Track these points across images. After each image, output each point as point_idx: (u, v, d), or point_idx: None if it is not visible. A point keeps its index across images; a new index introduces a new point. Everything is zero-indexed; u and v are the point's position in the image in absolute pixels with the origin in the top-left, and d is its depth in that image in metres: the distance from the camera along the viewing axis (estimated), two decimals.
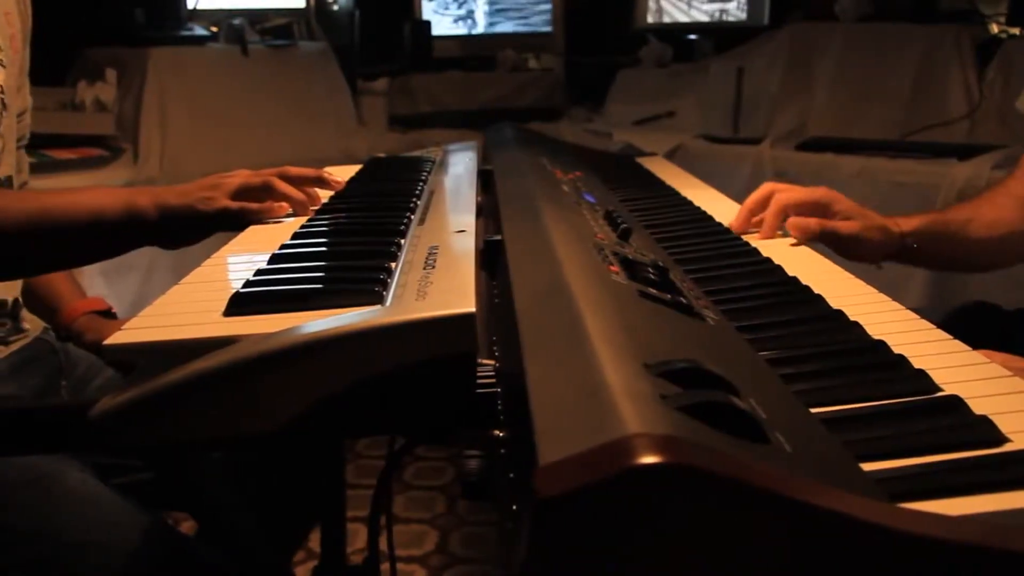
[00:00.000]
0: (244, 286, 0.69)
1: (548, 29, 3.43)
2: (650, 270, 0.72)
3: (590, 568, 0.35)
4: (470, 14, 3.42)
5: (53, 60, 2.40)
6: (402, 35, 3.19)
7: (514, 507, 0.46)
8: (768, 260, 0.91)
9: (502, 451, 0.55)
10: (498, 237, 0.82)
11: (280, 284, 0.70)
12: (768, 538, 0.36)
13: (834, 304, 0.75)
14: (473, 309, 0.57)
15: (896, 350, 0.64)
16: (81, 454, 0.98)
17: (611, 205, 1.05)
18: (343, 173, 1.25)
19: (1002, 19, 2.52)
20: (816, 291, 0.79)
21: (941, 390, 0.57)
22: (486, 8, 3.42)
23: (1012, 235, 1.15)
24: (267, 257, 0.80)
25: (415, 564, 1.89)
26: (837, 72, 2.53)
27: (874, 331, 0.68)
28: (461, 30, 3.42)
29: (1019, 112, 2.11)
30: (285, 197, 1.03)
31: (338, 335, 0.56)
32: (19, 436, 0.71)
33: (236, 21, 2.75)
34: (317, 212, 1.03)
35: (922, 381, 0.59)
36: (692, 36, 3.16)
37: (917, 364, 0.61)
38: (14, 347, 1.14)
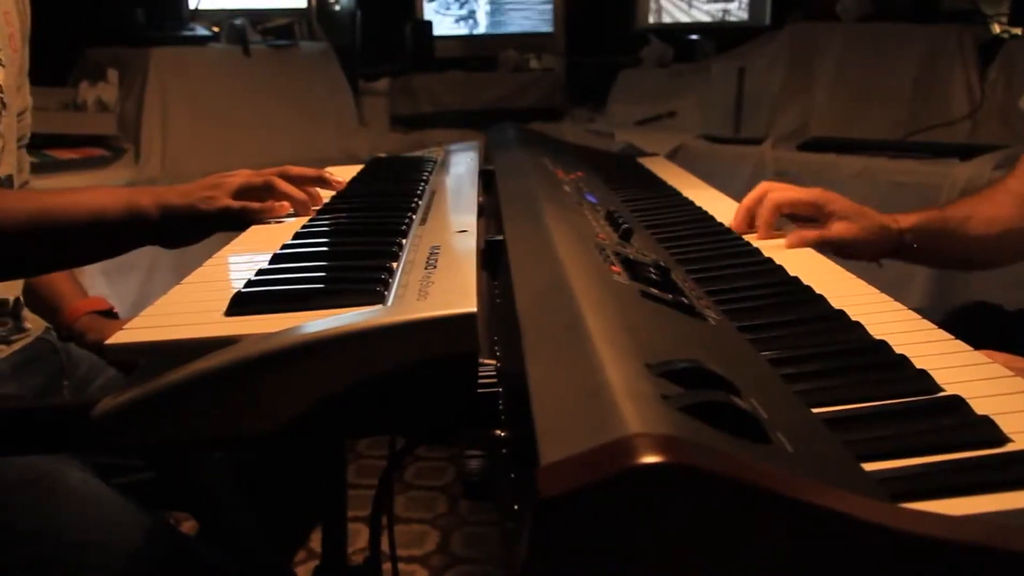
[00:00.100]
0: (246, 286, 0.69)
1: (549, 29, 3.43)
2: (651, 270, 0.72)
3: (591, 568, 0.35)
4: (471, 14, 3.42)
5: (55, 60, 2.41)
6: (403, 35, 3.19)
7: (515, 507, 0.46)
8: (769, 260, 0.91)
9: (503, 451, 0.55)
10: (500, 237, 0.82)
11: (282, 284, 0.70)
12: (769, 538, 0.36)
13: (835, 304, 0.75)
14: (475, 309, 0.57)
15: (898, 350, 0.64)
16: (82, 454, 0.98)
17: (612, 205, 1.05)
18: (344, 173, 1.25)
19: (1004, 19, 2.51)
20: (817, 291, 0.79)
21: (943, 390, 0.57)
22: (487, 8, 3.42)
23: (1010, 232, 1.15)
24: (268, 257, 0.80)
25: (416, 564, 1.89)
26: (838, 72, 2.53)
27: (875, 331, 0.68)
28: (462, 30, 3.43)
29: (1021, 112, 2.10)
30: (286, 197, 1.03)
31: (339, 335, 0.56)
32: (20, 436, 0.71)
33: (238, 21, 2.75)
34: (319, 212, 1.03)
35: (924, 381, 0.59)
36: (693, 36, 3.16)
37: (919, 364, 0.61)
38: (16, 347, 1.14)
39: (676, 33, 3.16)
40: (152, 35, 2.58)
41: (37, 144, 1.28)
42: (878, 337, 0.67)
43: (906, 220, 1.10)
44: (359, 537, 1.82)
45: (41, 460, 0.94)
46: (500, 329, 0.70)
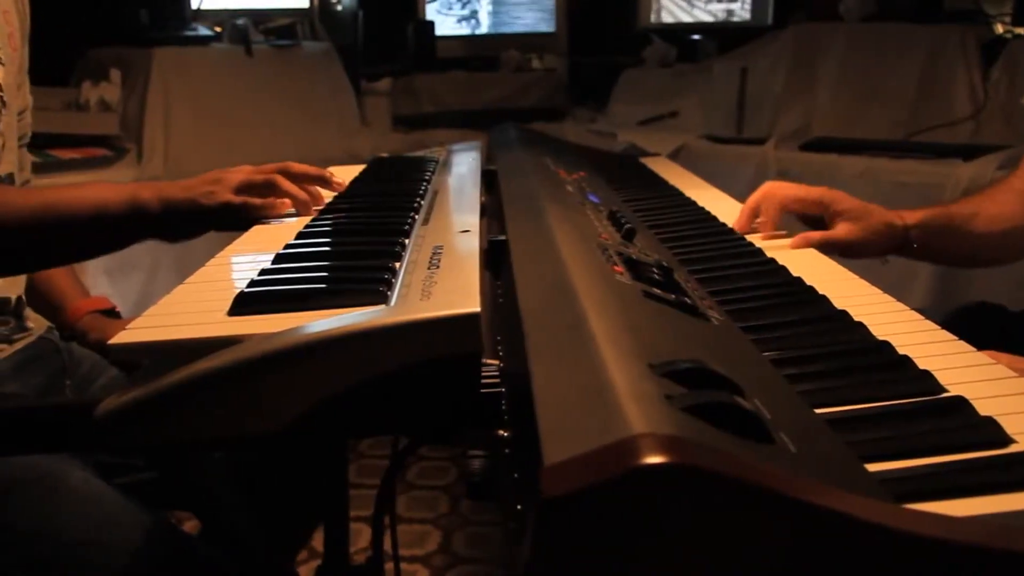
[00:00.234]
0: (249, 286, 0.69)
1: (551, 29, 3.43)
2: (654, 270, 0.72)
3: (595, 568, 0.35)
4: (473, 14, 3.42)
5: (57, 60, 2.41)
6: (406, 35, 3.19)
7: (519, 507, 0.46)
8: (772, 260, 0.91)
9: (506, 451, 0.55)
10: (502, 237, 0.82)
11: (284, 284, 0.70)
12: (772, 538, 0.36)
13: (838, 304, 0.75)
14: (478, 309, 0.57)
15: (901, 351, 0.64)
16: (84, 453, 0.98)
17: (615, 205, 1.05)
18: (347, 173, 1.25)
19: (1007, 19, 2.51)
20: (820, 291, 0.79)
21: (946, 391, 0.57)
22: (489, 8, 3.42)
23: (1014, 230, 1.15)
24: (271, 257, 0.80)
25: (418, 564, 1.89)
26: (841, 72, 2.53)
27: (879, 331, 0.68)
28: (464, 30, 3.42)
29: None
30: (288, 195, 1.03)
31: (342, 335, 0.56)
32: (22, 435, 0.71)
33: (240, 21, 2.75)
34: (321, 212, 1.03)
35: (927, 382, 0.59)
36: (696, 36, 3.16)
37: (922, 365, 0.61)
38: (18, 346, 1.14)
39: (678, 33, 3.16)
40: (155, 35, 2.58)
41: (40, 144, 1.28)
42: (881, 338, 0.66)
43: (912, 217, 1.10)
44: (361, 537, 1.81)
45: (43, 459, 0.94)
46: (503, 329, 0.70)
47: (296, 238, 0.89)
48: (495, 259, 0.83)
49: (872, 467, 0.47)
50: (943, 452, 0.49)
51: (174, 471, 1.10)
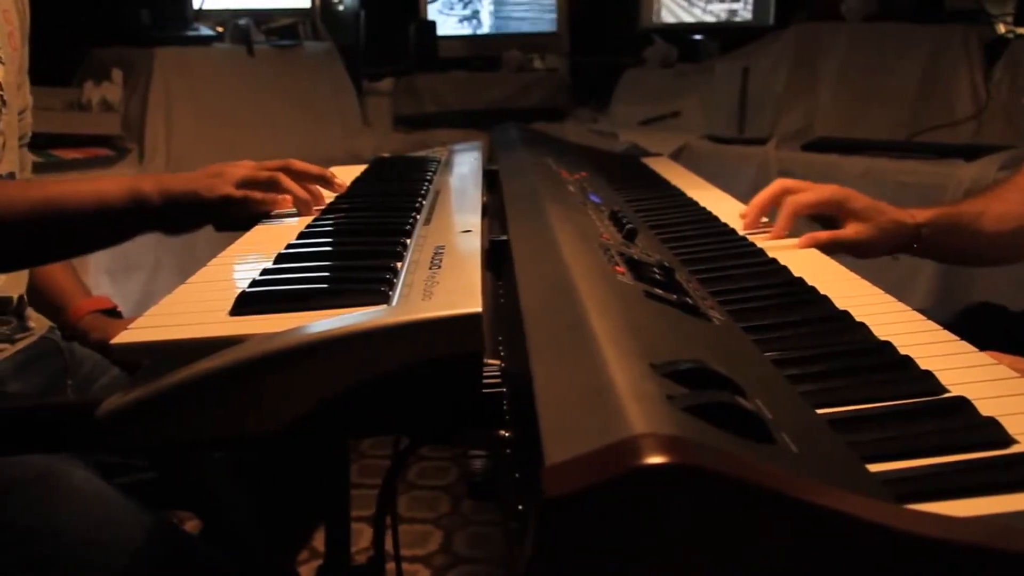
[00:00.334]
0: (250, 286, 0.69)
1: (553, 29, 3.43)
2: (656, 270, 0.72)
3: (596, 568, 0.35)
4: (475, 14, 3.42)
5: (59, 60, 2.41)
6: (407, 35, 3.19)
7: (520, 507, 0.46)
8: (774, 260, 0.91)
9: (507, 451, 0.55)
10: (504, 237, 0.82)
11: (286, 284, 0.71)
12: (773, 538, 0.36)
13: (840, 305, 0.75)
14: (480, 309, 0.57)
15: (902, 351, 0.64)
16: (85, 453, 0.98)
17: (616, 205, 1.05)
18: (348, 173, 1.25)
19: (1009, 19, 2.51)
20: (822, 291, 0.79)
21: (948, 391, 0.57)
22: (491, 8, 3.42)
23: (1021, 229, 1.15)
24: (273, 257, 0.81)
25: (419, 564, 1.89)
26: (843, 72, 2.53)
27: (880, 332, 0.68)
28: (466, 30, 3.43)
29: None
30: (289, 193, 1.03)
31: (344, 335, 0.56)
32: (23, 435, 0.71)
33: (242, 21, 2.76)
34: (323, 212, 1.03)
35: (929, 382, 0.59)
36: (697, 36, 3.16)
37: (924, 365, 0.61)
38: (20, 345, 1.14)
39: (680, 33, 3.16)
40: (156, 35, 2.58)
41: (41, 144, 1.28)
42: (883, 338, 0.66)
43: (922, 215, 1.10)
44: (362, 537, 1.81)
45: (43, 459, 0.94)
46: (504, 329, 0.70)
47: (298, 238, 0.89)
48: (497, 259, 0.83)
49: (874, 467, 0.47)
50: (945, 452, 0.49)
51: (175, 471, 1.10)
